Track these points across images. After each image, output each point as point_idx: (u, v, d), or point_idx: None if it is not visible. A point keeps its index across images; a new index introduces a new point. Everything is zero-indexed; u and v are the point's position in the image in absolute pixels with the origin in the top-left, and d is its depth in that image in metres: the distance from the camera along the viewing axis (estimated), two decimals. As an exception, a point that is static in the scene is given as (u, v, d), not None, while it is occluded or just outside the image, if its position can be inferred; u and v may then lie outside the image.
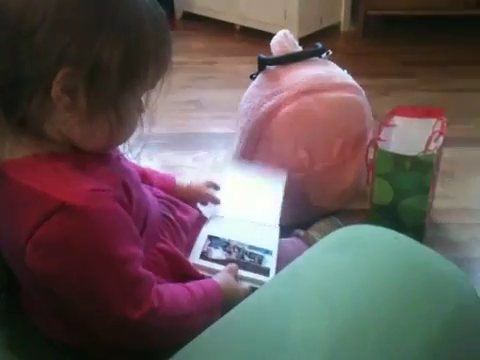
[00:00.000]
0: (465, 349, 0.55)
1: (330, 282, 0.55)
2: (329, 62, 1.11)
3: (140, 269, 0.54)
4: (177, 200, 0.75)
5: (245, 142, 1.06)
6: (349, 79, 1.09)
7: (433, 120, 1.09)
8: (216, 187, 0.86)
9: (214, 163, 1.41)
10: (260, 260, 0.75)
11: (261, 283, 0.70)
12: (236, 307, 0.54)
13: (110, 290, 0.51)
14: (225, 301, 0.63)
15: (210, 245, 0.75)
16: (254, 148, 1.05)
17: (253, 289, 0.68)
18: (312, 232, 1.02)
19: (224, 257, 0.73)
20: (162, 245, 0.65)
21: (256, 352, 0.48)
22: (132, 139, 0.58)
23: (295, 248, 0.88)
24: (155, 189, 0.73)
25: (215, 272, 0.69)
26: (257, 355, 0.47)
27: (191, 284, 0.62)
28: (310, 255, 0.61)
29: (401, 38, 2.15)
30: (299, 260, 0.60)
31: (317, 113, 1.02)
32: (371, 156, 1.06)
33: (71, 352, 0.60)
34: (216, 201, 0.84)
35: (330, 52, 1.11)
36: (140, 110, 0.56)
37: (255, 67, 1.09)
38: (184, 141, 1.49)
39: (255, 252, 0.76)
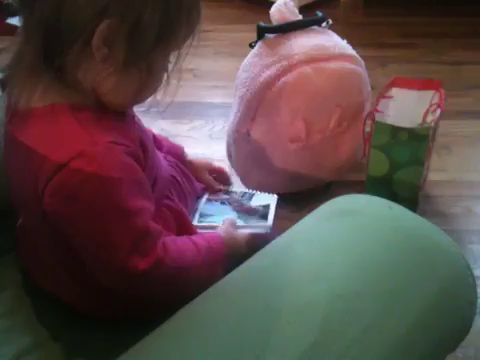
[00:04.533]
0: (455, 317, 0.57)
1: (325, 252, 0.56)
2: (329, 31, 1.10)
3: (149, 222, 0.55)
4: (183, 167, 0.77)
5: (243, 112, 1.06)
6: (349, 49, 1.08)
7: (431, 92, 1.08)
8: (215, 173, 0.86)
9: (211, 133, 1.41)
10: (258, 210, 0.77)
11: (261, 228, 0.72)
12: (229, 274, 0.55)
13: (118, 240, 0.53)
14: (228, 252, 0.64)
15: (209, 204, 0.78)
16: (252, 118, 1.05)
17: (254, 235, 0.70)
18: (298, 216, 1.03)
19: (222, 212, 0.75)
20: (169, 202, 0.67)
21: (250, 315, 0.49)
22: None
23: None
24: (164, 153, 0.76)
25: (215, 228, 0.71)
26: (250, 318, 0.49)
27: (195, 237, 0.64)
28: (305, 224, 0.61)
29: (402, 9, 2.11)
30: (294, 229, 0.61)
31: (316, 83, 1.02)
32: (368, 128, 1.06)
33: (75, 312, 0.62)
34: (214, 186, 0.84)
35: (330, 21, 1.09)
36: (166, 69, 0.58)
37: (254, 35, 1.08)
38: (180, 110, 1.47)
39: (253, 205, 0.79)
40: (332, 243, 0.57)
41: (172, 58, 0.58)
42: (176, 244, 0.59)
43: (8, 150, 0.59)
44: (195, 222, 0.74)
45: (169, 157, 0.76)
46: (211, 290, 0.53)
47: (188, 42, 0.57)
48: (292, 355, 0.45)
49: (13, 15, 2.07)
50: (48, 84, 0.53)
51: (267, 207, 0.78)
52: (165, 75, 0.58)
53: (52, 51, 0.51)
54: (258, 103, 1.03)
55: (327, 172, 1.13)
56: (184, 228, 0.68)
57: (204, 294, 0.52)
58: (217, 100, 1.53)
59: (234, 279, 0.54)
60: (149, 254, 0.54)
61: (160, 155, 0.72)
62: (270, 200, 0.79)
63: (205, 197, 0.81)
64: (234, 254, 0.65)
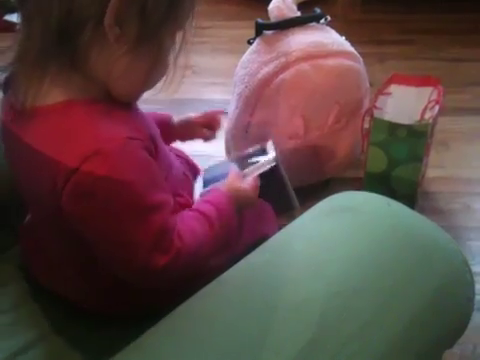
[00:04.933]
0: (453, 313, 0.57)
1: (323, 249, 0.56)
2: (327, 28, 1.10)
3: (168, 216, 0.55)
4: (189, 158, 0.76)
5: (241, 108, 1.06)
6: (347, 46, 1.08)
7: (429, 89, 1.08)
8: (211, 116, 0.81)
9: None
10: (256, 149, 0.75)
11: (265, 165, 0.69)
12: (227, 271, 0.55)
13: (139, 238, 0.52)
14: (238, 206, 0.64)
15: (208, 173, 0.75)
16: (250, 114, 1.05)
17: (260, 176, 0.68)
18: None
19: (222, 170, 0.72)
20: (180, 199, 0.66)
21: (247, 313, 0.49)
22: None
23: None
24: (175, 150, 0.75)
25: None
26: (248, 315, 0.49)
27: (201, 205, 0.62)
28: (304, 221, 0.61)
29: (400, 5, 2.11)
30: (293, 225, 0.61)
31: (314, 80, 1.02)
32: (367, 125, 1.06)
33: (77, 308, 0.62)
34: (208, 137, 0.81)
35: (328, 18, 1.09)
36: (172, 51, 0.57)
37: (252, 32, 1.07)
38: (179, 107, 1.47)
39: (249, 150, 0.76)
40: (330, 240, 0.57)
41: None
42: (187, 226, 0.57)
43: (14, 150, 0.57)
44: (201, 190, 0.71)
45: (177, 151, 0.75)
46: (209, 287, 0.53)
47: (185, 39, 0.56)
48: (289, 352, 0.45)
49: (11, 12, 2.06)
50: (55, 78, 0.52)
51: (263, 145, 0.75)
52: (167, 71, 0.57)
53: (64, 34, 0.50)
54: (256, 100, 1.03)
55: (325, 169, 1.13)
56: None
57: (202, 291, 0.52)
58: (215, 97, 1.53)
59: (232, 276, 0.54)
60: (169, 249, 0.54)
61: (169, 151, 0.70)
62: (267, 142, 0.77)
63: (204, 169, 0.77)
64: (244, 205, 0.65)
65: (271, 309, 0.49)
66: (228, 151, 1.15)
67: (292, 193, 0.75)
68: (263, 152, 0.74)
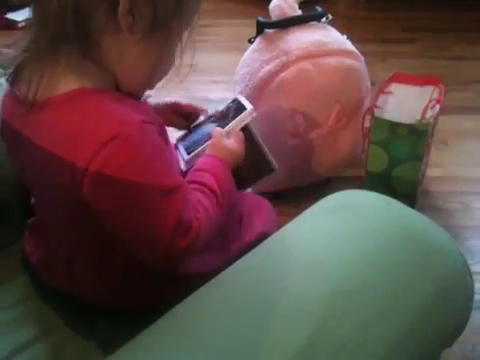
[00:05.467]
0: (452, 313, 0.57)
1: (323, 247, 0.56)
2: (328, 27, 1.10)
3: (187, 196, 0.55)
4: None
5: (242, 107, 1.06)
6: (348, 45, 1.08)
7: (430, 88, 1.08)
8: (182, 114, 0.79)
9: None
10: (230, 107, 0.72)
11: (246, 118, 0.68)
12: (226, 270, 0.55)
13: (162, 219, 0.52)
14: (232, 165, 0.64)
15: (187, 138, 0.73)
16: (251, 113, 1.05)
17: (243, 130, 0.67)
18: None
19: (203, 133, 0.71)
20: None
21: (246, 312, 0.49)
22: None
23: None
24: None
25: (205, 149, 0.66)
26: (247, 314, 0.49)
27: (202, 176, 0.61)
28: (303, 219, 0.61)
29: (402, 3, 2.11)
30: (292, 223, 0.61)
31: (315, 79, 1.02)
32: (367, 124, 1.06)
33: (82, 307, 0.62)
34: (180, 128, 0.79)
35: (330, 16, 1.09)
36: (175, 47, 0.58)
37: (253, 30, 1.07)
38: (180, 105, 1.47)
39: (222, 108, 0.74)
40: (330, 239, 0.57)
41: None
42: (199, 203, 0.57)
43: (22, 147, 0.56)
44: (186, 157, 0.69)
45: None
46: (208, 286, 0.53)
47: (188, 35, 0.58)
48: (288, 351, 0.45)
49: (13, 10, 2.06)
50: (67, 66, 0.52)
51: (235, 100, 0.73)
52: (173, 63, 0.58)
53: (78, 18, 0.50)
54: (257, 99, 1.03)
55: (326, 168, 1.13)
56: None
57: (200, 290, 0.52)
58: (216, 95, 1.53)
59: (231, 274, 0.54)
60: (189, 229, 0.54)
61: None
62: (235, 96, 0.75)
63: (177, 138, 0.76)
64: (235, 162, 0.64)
65: (270, 308, 0.49)
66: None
67: (269, 155, 0.73)
68: (238, 106, 0.72)
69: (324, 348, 0.46)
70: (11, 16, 1.99)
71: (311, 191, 1.10)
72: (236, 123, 0.68)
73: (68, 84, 0.52)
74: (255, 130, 0.71)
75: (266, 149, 0.72)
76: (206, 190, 0.59)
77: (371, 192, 0.64)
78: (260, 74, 1.02)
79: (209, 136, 0.68)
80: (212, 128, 0.69)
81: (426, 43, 1.81)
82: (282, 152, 1.07)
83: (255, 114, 0.69)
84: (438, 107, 1.03)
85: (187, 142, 0.73)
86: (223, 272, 0.55)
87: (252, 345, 0.46)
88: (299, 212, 0.62)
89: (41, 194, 0.61)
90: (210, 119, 0.75)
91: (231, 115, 0.70)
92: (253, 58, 1.05)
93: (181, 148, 0.73)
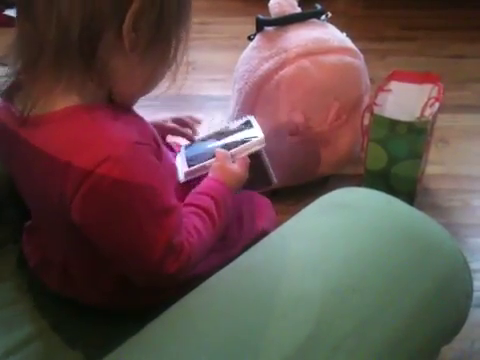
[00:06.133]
0: (451, 309, 0.57)
1: (321, 245, 0.56)
2: (328, 24, 1.10)
3: (180, 219, 0.55)
4: None
5: (241, 105, 1.06)
6: (347, 42, 1.08)
7: (429, 86, 1.08)
8: (184, 123, 0.80)
9: (210, 126, 1.40)
10: (241, 129, 0.72)
11: (255, 145, 0.67)
12: (226, 267, 0.55)
13: (152, 243, 0.52)
14: (234, 190, 0.63)
15: (190, 148, 0.72)
16: (250, 111, 1.05)
17: (250, 156, 0.66)
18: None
19: (208, 147, 0.69)
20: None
21: (245, 310, 0.49)
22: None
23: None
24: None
25: (208, 167, 0.66)
26: (246, 311, 0.49)
27: (199, 198, 0.61)
28: (303, 217, 0.61)
29: (402, 1, 2.10)
30: (291, 221, 0.61)
31: (314, 76, 1.02)
32: (367, 122, 1.06)
33: (75, 306, 0.62)
34: (187, 135, 0.79)
35: (329, 14, 1.09)
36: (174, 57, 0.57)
37: (253, 28, 1.07)
38: (179, 103, 1.47)
39: (233, 127, 0.73)
40: (329, 236, 0.57)
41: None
42: (192, 227, 0.57)
43: (17, 155, 0.56)
44: (186, 170, 0.68)
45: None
46: (207, 284, 0.53)
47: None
48: (288, 348, 0.46)
49: (11, 7, 2.06)
50: (67, 84, 0.51)
51: (248, 123, 0.73)
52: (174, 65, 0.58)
53: (85, 41, 0.49)
54: (256, 96, 1.03)
55: (325, 165, 1.13)
56: None
57: (200, 288, 0.52)
58: (216, 93, 1.53)
59: (231, 272, 0.54)
60: (180, 253, 0.54)
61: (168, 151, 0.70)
62: (248, 118, 0.74)
63: (184, 145, 0.75)
64: (236, 188, 0.64)
65: (270, 305, 0.49)
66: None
67: (271, 170, 0.73)
68: (247, 125, 0.71)
69: (323, 346, 0.46)
70: (10, 13, 1.98)
71: (310, 189, 1.10)
72: (243, 149, 0.67)
73: (64, 101, 0.51)
74: (264, 152, 0.70)
75: (269, 165, 0.72)
76: (202, 213, 0.59)
77: (370, 190, 0.64)
78: (259, 72, 1.02)
79: (213, 154, 0.67)
80: (218, 147, 0.68)
81: (425, 41, 1.81)
82: (281, 150, 1.07)
83: (264, 145, 0.68)
84: (437, 105, 1.03)
85: (190, 153, 0.72)
86: (221, 271, 0.55)
87: (250, 344, 0.46)
88: (298, 210, 0.62)
89: (34, 205, 0.61)
90: (218, 135, 0.74)
91: (240, 139, 0.69)
92: (252, 56, 1.05)
93: (183, 157, 0.71)
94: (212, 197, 0.61)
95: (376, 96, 1.06)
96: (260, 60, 1.03)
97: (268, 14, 1.07)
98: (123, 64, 0.52)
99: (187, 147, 0.75)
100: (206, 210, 0.59)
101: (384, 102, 1.06)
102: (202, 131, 1.36)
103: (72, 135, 0.50)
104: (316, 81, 1.02)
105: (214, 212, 0.60)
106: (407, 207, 0.62)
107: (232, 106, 1.10)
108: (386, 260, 0.55)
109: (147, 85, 0.58)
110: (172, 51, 0.56)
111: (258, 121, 1.03)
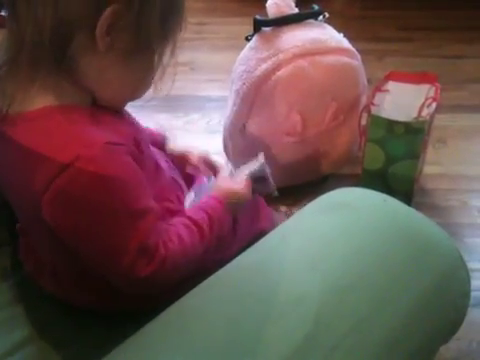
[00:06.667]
0: (448, 309, 0.57)
1: (320, 245, 0.56)
2: (325, 25, 1.10)
3: (153, 223, 0.54)
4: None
5: (239, 105, 1.06)
6: (345, 43, 1.08)
7: (427, 86, 1.08)
8: (209, 164, 0.78)
9: (207, 126, 1.40)
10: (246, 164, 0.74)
11: (254, 165, 0.69)
12: (224, 267, 0.55)
13: (124, 244, 0.52)
14: (232, 208, 0.63)
15: (198, 187, 0.74)
16: (248, 111, 1.05)
17: (251, 175, 0.68)
18: (296, 209, 1.02)
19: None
20: (169, 205, 0.65)
21: (244, 309, 0.49)
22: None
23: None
24: (163, 155, 0.73)
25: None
26: (244, 311, 0.49)
27: (192, 211, 0.61)
28: (300, 217, 0.62)
29: (399, 2, 2.11)
30: (290, 221, 0.61)
31: (312, 77, 1.02)
32: (364, 122, 1.06)
33: (71, 307, 0.62)
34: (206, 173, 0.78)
35: (326, 15, 1.09)
36: (162, 63, 0.57)
37: (250, 28, 1.07)
38: (177, 104, 1.47)
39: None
40: (327, 236, 0.57)
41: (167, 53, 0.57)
42: (174, 234, 0.57)
43: (1, 151, 0.56)
44: (189, 199, 0.69)
45: (167, 157, 0.74)
46: (205, 283, 0.53)
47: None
48: (287, 347, 0.46)
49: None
50: (43, 83, 0.52)
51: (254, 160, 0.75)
52: (160, 70, 0.57)
53: (56, 42, 0.50)
54: (254, 97, 1.03)
55: (323, 165, 1.13)
56: None
57: (198, 288, 0.52)
58: (214, 93, 1.53)
59: (229, 272, 0.54)
60: (153, 257, 0.53)
61: (160, 156, 0.69)
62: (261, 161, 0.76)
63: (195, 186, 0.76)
64: (236, 205, 0.64)
65: (268, 305, 0.49)
66: (226, 148, 1.15)
67: (273, 184, 0.75)
68: (254, 163, 0.74)
69: (321, 346, 0.47)
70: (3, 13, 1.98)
71: (308, 189, 1.10)
72: (245, 168, 0.70)
73: (41, 101, 0.52)
74: (267, 167, 0.73)
75: (270, 178, 0.74)
76: (191, 225, 0.59)
77: (367, 190, 0.64)
78: (257, 72, 1.02)
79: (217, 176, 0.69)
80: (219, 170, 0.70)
81: (422, 42, 1.81)
82: (279, 150, 1.08)
83: (264, 162, 0.71)
84: (434, 105, 1.03)
85: (198, 187, 0.74)
86: (220, 270, 0.55)
87: (248, 345, 0.46)
88: (296, 210, 0.62)
89: (14, 203, 0.61)
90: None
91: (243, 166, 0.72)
92: (250, 56, 1.05)
93: (193, 190, 0.73)
94: (207, 212, 0.61)
95: (373, 96, 1.07)
96: (257, 61, 1.03)
97: (265, 15, 1.07)
98: (97, 67, 0.53)
99: (198, 186, 0.76)
100: (196, 222, 0.59)
101: (381, 102, 1.06)
102: (199, 131, 1.37)
103: (46, 135, 0.51)
104: (313, 82, 1.02)
105: (205, 226, 0.59)
106: (404, 207, 0.62)
107: (229, 106, 1.10)
108: (384, 259, 0.55)
109: (132, 93, 0.57)
110: (156, 60, 0.56)
111: (256, 121, 1.03)
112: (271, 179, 0.74)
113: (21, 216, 0.62)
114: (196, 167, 0.77)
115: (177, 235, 0.57)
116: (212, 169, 0.77)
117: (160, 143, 0.77)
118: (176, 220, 0.59)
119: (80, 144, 0.50)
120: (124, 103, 0.60)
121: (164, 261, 0.54)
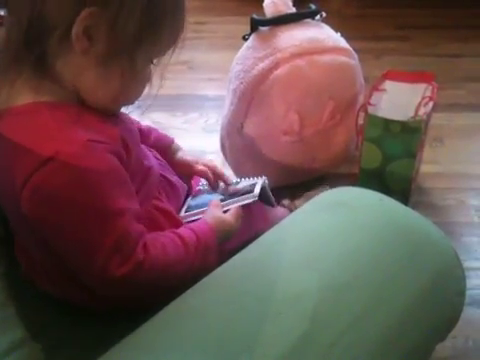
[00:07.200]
0: (444, 307, 0.58)
1: (316, 244, 0.56)
2: (322, 24, 1.10)
3: (131, 223, 0.54)
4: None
5: (236, 104, 1.06)
6: (342, 42, 1.09)
7: (424, 85, 1.09)
8: (216, 174, 0.79)
9: (205, 125, 1.40)
10: (245, 189, 0.76)
11: (247, 199, 0.71)
12: (221, 266, 0.55)
13: (98, 241, 0.52)
14: (219, 235, 0.64)
15: (195, 198, 0.76)
16: (245, 111, 1.05)
17: (243, 206, 0.69)
18: (299, 202, 1.03)
19: (209, 200, 0.73)
20: (157, 202, 0.65)
21: (241, 308, 0.49)
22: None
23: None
24: (154, 152, 0.73)
25: (201, 214, 0.69)
26: (241, 309, 0.49)
27: (182, 230, 0.62)
28: (297, 216, 0.62)
29: (396, 1, 2.11)
30: (286, 221, 0.61)
31: (309, 76, 1.02)
32: (361, 121, 1.06)
33: (67, 307, 0.62)
34: (212, 183, 0.79)
35: (324, 14, 1.10)
36: (150, 73, 0.58)
37: (248, 28, 1.07)
38: (175, 103, 1.47)
39: (240, 187, 0.77)
40: (323, 235, 0.57)
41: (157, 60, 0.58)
42: (159, 242, 0.57)
43: None
44: (182, 213, 0.72)
45: (159, 156, 0.74)
46: (202, 282, 0.53)
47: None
48: (283, 346, 0.46)
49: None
50: (27, 80, 0.53)
51: (253, 185, 0.76)
52: (148, 80, 0.58)
53: (33, 40, 0.51)
54: (251, 96, 1.03)
55: (320, 165, 1.13)
56: (174, 227, 0.65)
57: (195, 286, 0.52)
58: (211, 93, 1.53)
59: (226, 271, 0.55)
60: (129, 258, 0.53)
61: (150, 154, 0.69)
62: (257, 180, 0.78)
63: (192, 196, 0.79)
64: (225, 235, 0.64)
65: (264, 303, 0.49)
66: (223, 147, 1.15)
67: (272, 197, 0.78)
68: (252, 186, 0.75)
69: (319, 344, 0.47)
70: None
71: (305, 188, 1.11)
72: (235, 201, 0.71)
73: (26, 97, 0.53)
74: (267, 183, 0.76)
75: (271, 194, 0.77)
76: (177, 239, 0.59)
77: (364, 189, 0.64)
78: (254, 71, 1.02)
79: (210, 203, 0.70)
80: (216, 199, 0.72)
81: (419, 41, 1.82)
82: (276, 149, 1.08)
83: (257, 199, 0.72)
84: (431, 104, 1.04)
85: (193, 202, 0.76)
86: (217, 269, 0.55)
87: (245, 343, 0.46)
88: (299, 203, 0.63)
89: (1, 200, 0.60)
90: (224, 190, 0.78)
91: (239, 194, 0.74)
92: (247, 55, 1.05)
93: (185, 205, 0.75)
94: (196, 235, 0.61)
95: (370, 95, 1.07)
96: (255, 60, 1.03)
97: (263, 14, 1.08)
98: (74, 68, 0.53)
99: (194, 196, 0.78)
100: (183, 239, 0.59)
101: (378, 101, 1.06)
102: (197, 130, 1.37)
103: (29, 129, 0.51)
104: (311, 81, 1.02)
105: (191, 246, 0.59)
106: (400, 206, 0.63)
107: (227, 106, 1.10)
108: (381, 258, 0.55)
109: (117, 99, 0.57)
110: (142, 71, 0.56)
111: (253, 121, 1.03)
112: (272, 197, 0.77)
113: (8, 213, 0.62)
114: (201, 172, 0.78)
115: (162, 244, 0.57)
116: (220, 179, 0.79)
117: (164, 148, 0.77)
118: (166, 232, 0.60)
119: (62, 140, 0.50)
120: (113, 107, 0.59)
121: (141, 264, 0.53)
